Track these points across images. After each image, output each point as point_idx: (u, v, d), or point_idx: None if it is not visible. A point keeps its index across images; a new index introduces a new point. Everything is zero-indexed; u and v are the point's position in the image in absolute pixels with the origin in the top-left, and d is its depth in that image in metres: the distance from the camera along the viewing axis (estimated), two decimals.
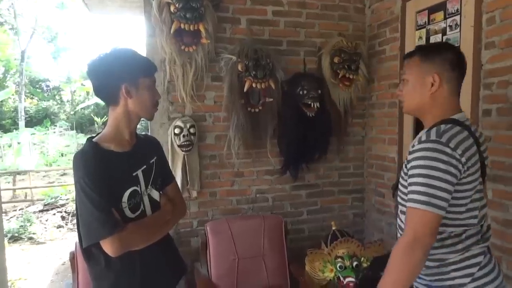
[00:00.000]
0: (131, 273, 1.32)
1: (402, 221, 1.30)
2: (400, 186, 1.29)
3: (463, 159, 1.11)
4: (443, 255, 1.19)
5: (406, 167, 1.22)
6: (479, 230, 1.22)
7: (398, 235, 1.35)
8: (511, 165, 1.82)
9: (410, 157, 1.18)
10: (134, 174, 1.34)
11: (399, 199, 1.31)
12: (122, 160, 1.31)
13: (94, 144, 1.30)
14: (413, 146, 1.19)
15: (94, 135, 1.37)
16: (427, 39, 2.38)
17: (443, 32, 2.24)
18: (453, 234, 1.19)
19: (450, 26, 2.19)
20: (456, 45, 2.14)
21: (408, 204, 1.15)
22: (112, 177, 1.26)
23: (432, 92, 1.22)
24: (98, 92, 1.33)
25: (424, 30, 2.41)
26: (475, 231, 1.21)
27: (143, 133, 1.65)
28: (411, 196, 1.14)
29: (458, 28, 2.13)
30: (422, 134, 1.20)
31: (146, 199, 1.37)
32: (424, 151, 1.12)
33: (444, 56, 1.22)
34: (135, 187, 1.32)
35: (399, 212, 1.33)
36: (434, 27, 2.32)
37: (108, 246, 1.21)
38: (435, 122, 1.22)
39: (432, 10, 2.34)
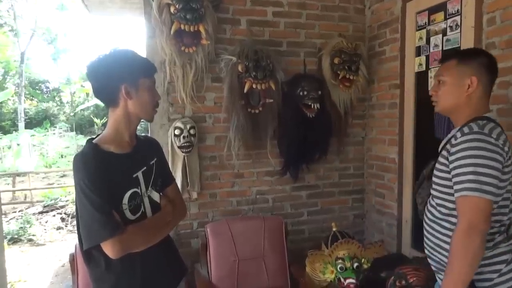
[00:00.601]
0: (131, 274, 1.32)
1: (432, 214, 1.36)
2: (435, 179, 1.34)
3: (506, 148, 1.20)
4: None
5: (447, 159, 1.27)
6: (506, 227, 1.28)
7: (427, 227, 1.40)
8: None
9: (453, 149, 1.24)
10: (134, 175, 1.33)
11: (433, 192, 1.36)
12: (122, 161, 1.31)
13: (94, 145, 1.29)
14: (456, 138, 1.25)
15: (94, 136, 1.36)
16: (427, 39, 2.38)
17: (444, 33, 2.24)
18: (488, 232, 1.23)
19: (451, 27, 2.19)
20: (457, 46, 2.14)
21: (457, 194, 1.20)
22: (112, 179, 1.25)
23: (468, 93, 1.30)
24: (97, 93, 1.32)
25: (424, 31, 2.41)
26: (504, 228, 1.27)
27: (143, 134, 1.64)
28: (460, 186, 1.19)
29: (459, 29, 2.13)
30: (464, 128, 1.26)
31: (146, 201, 1.36)
32: (470, 142, 1.19)
33: (480, 60, 1.31)
34: (135, 189, 1.32)
35: (428, 205, 1.38)
36: (435, 28, 2.32)
37: (109, 248, 1.20)
38: (468, 120, 1.29)
39: (432, 10, 2.34)
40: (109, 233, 1.18)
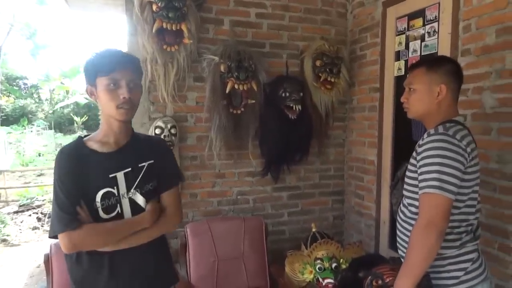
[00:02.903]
0: (98, 275, 1.30)
1: (404, 214, 1.41)
2: (406, 179, 1.39)
3: (468, 149, 1.24)
4: (442, 249, 1.28)
5: (415, 159, 1.32)
6: (472, 228, 1.33)
7: (400, 227, 1.45)
8: (486, 169, 1.87)
9: (419, 149, 1.29)
10: (111, 175, 1.29)
11: (405, 192, 1.41)
12: (101, 160, 1.29)
13: (80, 141, 1.33)
14: (422, 139, 1.30)
15: (89, 133, 1.40)
16: (407, 44, 2.43)
17: (422, 38, 2.30)
18: (456, 231, 1.30)
19: (429, 33, 2.24)
20: (434, 51, 2.20)
21: (421, 191, 1.25)
22: (86, 177, 1.27)
23: (438, 100, 1.35)
24: None
25: (403, 36, 2.46)
26: (470, 228, 1.32)
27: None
28: (423, 183, 1.24)
29: (436, 35, 2.19)
30: (430, 130, 1.32)
31: (126, 202, 1.31)
32: (434, 142, 1.25)
33: (447, 68, 1.36)
34: (109, 189, 1.29)
35: (401, 206, 1.43)
36: (413, 33, 2.38)
37: (60, 242, 1.24)
38: (437, 124, 1.33)
39: (411, 16, 2.39)
40: (61, 228, 1.22)
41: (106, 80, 1.25)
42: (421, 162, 1.27)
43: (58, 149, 1.31)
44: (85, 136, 1.36)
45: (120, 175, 1.30)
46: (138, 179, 1.34)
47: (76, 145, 1.30)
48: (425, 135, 1.31)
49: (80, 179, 1.25)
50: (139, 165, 1.35)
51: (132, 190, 1.32)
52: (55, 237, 1.25)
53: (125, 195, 1.31)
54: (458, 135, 1.25)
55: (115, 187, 1.30)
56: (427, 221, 1.21)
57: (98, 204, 1.27)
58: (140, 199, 1.34)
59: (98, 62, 1.26)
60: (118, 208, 1.31)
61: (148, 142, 1.44)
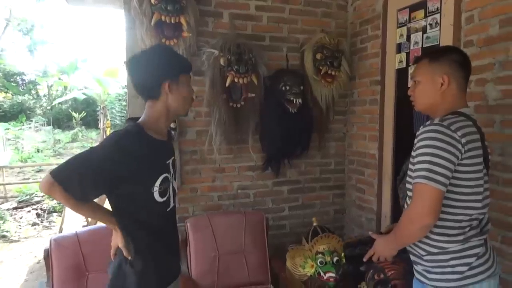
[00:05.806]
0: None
1: None
2: (409, 172, 1.37)
3: (463, 140, 1.21)
4: (444, 243, 1.28)
5: (414, 151, 1.30)
6: (479, 223, 1.31)
7: None
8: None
9: (415, 141, 1.29)
10: (167, 162, 1.43)
11: (408, 186, 1.39)
12: (160, 147, 1.39)
13: (140, 126, 1.34)
14: (418, 131, 1.29)
15: (134, 117, 1.44)
16: (408, 37, 2.41)
17: (424, 30, 2.27)
18: (457, 226, 1.28)
19: (431, 25, 2.22)
20: (436, 43, 2.18)
21: (413, 181, 1.25)
22: (153, 161, 1.34)
23: (442, 91, 1.32)
24: (139, 87, 1.38)
25: (405, 28, 2.44)
26: (476, 223, 1.30)
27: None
28: (415, 173, 1.24)
29: (438, 27, 2.16)
30: (427, 122, 1.30)
31: (171, 187, 1.44)
32: (426, 133, 1.23)
33: (451, 57, 1.33)
34: (167, 174, 1.40)
35: (407, 199, 1.42)
36: (415, 25, 2.35)
37: (48, 182, 1.20)
38: (443, 115, 1.31)
39: (413, 8, 2.37)
40: (62, 180, 1.20)
41: (188, 78, 1.43)
42: (415, 153, 1.26)
43: (115, 132, 1.31)
44: (135, 119, 1.40)
45: (170, 162, 1.45)
46: (175, 169, 1.52)
47: (139, 131, 1.33)
48: (421, 127, 1.29)
49: (148, 163, 1.30)
50: (173, 157, 1.52)
51: (173, 176, 1.49)
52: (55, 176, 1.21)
53: (172, 180, 1.45)
54: (453, 125, 1.22)
55: (169, 173, 1.42)
56: (414, 212, 1.24)
57: (157, 188, 1.34)
58: (175, 183, 1.50)
59: (182, 60, 1.43)
60: (169, 193, 1.42)
61: (171, 137, 1.60)
